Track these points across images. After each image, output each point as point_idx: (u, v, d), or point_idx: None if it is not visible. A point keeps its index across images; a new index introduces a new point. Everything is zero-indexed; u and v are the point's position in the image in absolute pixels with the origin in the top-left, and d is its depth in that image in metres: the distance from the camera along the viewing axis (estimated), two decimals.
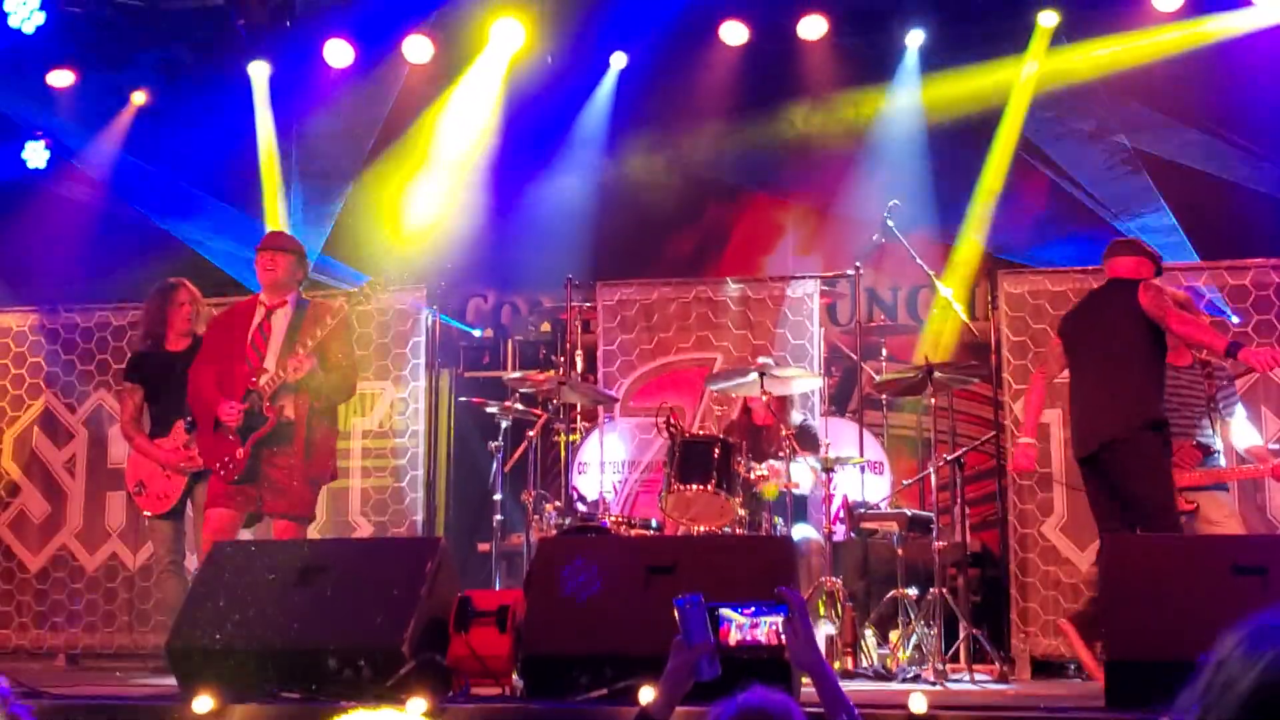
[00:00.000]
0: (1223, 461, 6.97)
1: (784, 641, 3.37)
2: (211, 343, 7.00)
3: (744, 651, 3.41)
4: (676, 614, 3.36)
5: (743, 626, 3.38)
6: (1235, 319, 7.82)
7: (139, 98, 10.90)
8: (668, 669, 3.34)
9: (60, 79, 10.69)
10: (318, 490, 6.87)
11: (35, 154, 10.97)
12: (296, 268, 6.95)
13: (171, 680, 5.82)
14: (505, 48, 10.32)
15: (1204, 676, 1.18)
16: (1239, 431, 7.11)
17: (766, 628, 3.38)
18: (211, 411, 6.69)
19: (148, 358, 7.77)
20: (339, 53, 10.43)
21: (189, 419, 7.41)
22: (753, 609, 3.39)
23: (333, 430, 6.94)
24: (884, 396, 8.77)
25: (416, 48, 10.40)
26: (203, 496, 7.12)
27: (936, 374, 7.24)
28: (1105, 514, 6.60)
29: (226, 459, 6.60)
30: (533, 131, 10.72)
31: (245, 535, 7.05)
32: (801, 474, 7.54)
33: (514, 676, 5.64)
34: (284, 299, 6.88)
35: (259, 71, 10.68)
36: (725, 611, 3.39)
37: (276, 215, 10.76)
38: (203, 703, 5.18)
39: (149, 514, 7.73)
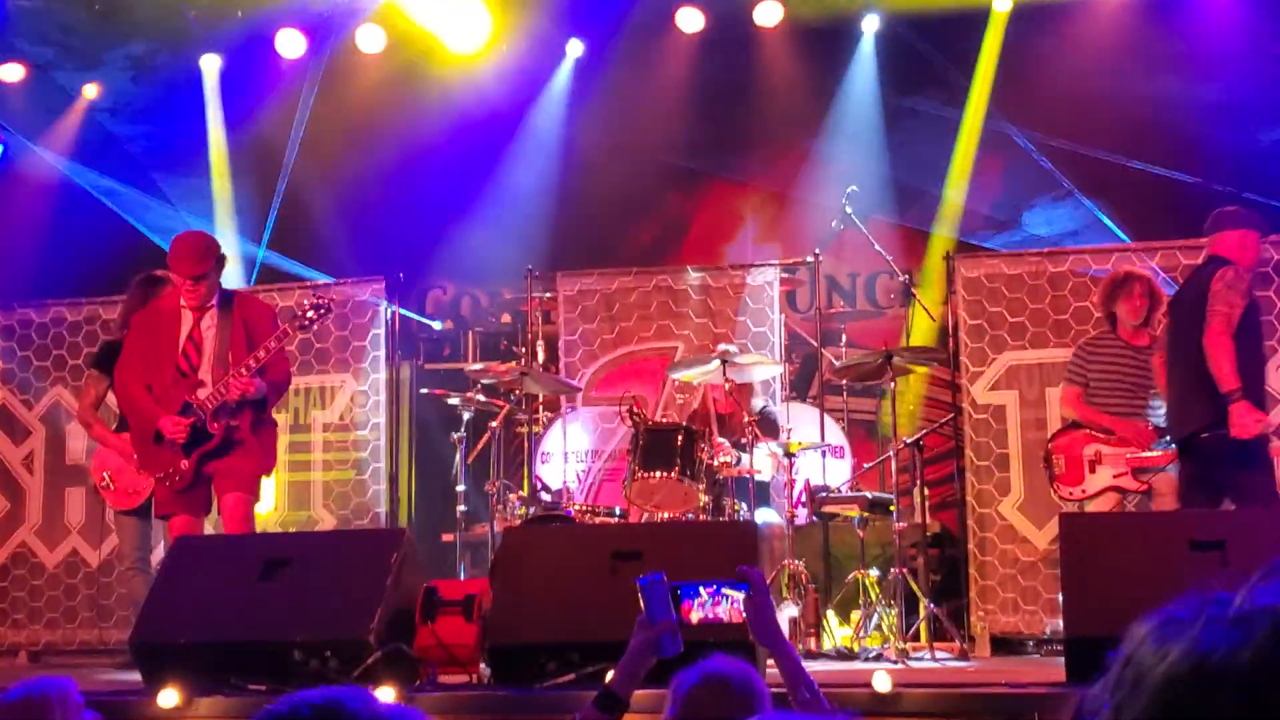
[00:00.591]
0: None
1: (745, 619, 3.40)
2: (137, 346, 6.76)
3: (706, 629, 3.45)
4: (639, 592, 3.39)
5: (705, 604, 3.41)
6: None
7: (91, 91, 10.82)
8: (630, 646, 3.37)
9: (11, 73, 10.59)
10: (261, 478, 6.84)
11: None
12: (218, 275, 6.72)
13: (136, 675, 5.80)
14: (461, 34, 10.29)
15: (1113, 672, 1.20)
16: None
17: (728, 605, 3.41)
18: (151, 424, 6.55)
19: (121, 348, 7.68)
20: (291, 43, 10.39)
21: None
22: (714, 587, 3.42)
23: (273, 426, 6.87)
24: (844, 382, 8.82)
25: (370, 37, 10.36)
26: None
27: (895, 358, 7.30)
28: (1189, 494, 6.53)
29: (171, 470, 6.52)
30: (490, 122, 10.70)
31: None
32: (763, 460, 7.58)
33: (481, 665, 5.67)
34: (210, 303, 6.71)
35: (210, 65, 10.62)
36: (688, 590, 3.42)
37: (227, 211, 10.72)
38: (168, 696, 5.18)
39: (116, 509, 7.67)
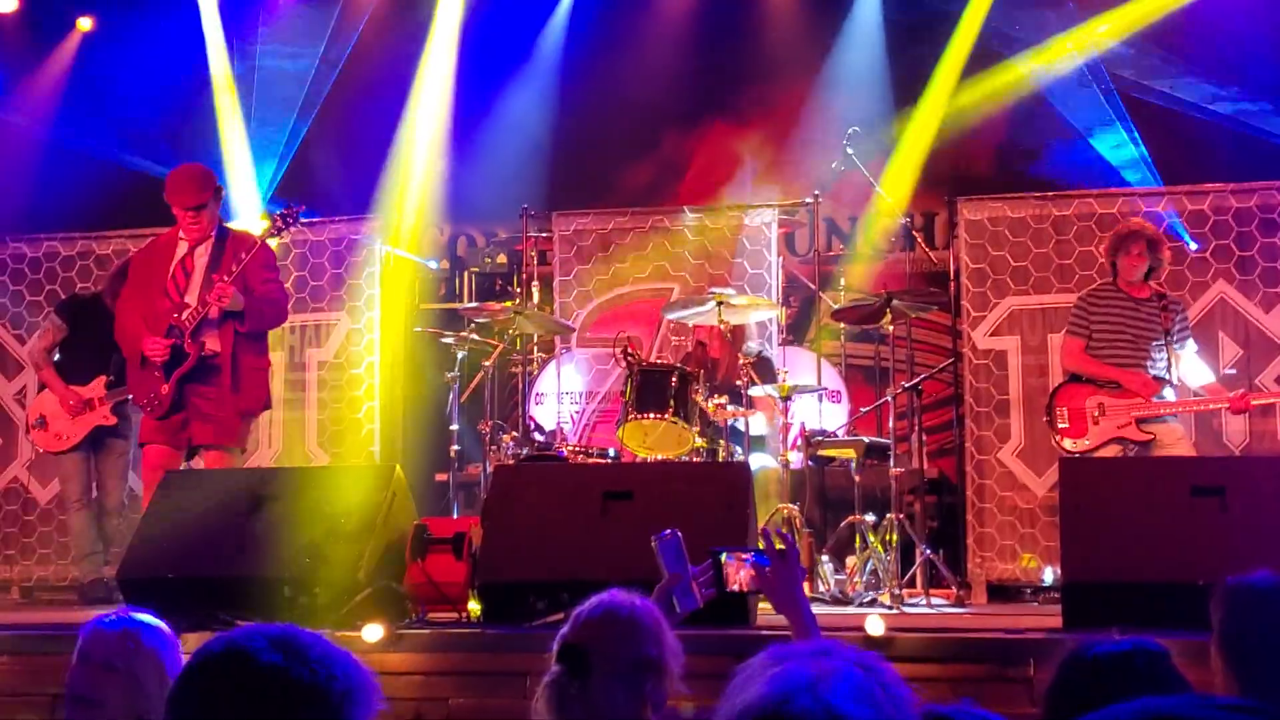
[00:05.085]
0: (1171, 395, 6.97)
1: (762, 584, 3.41)
2: (135, 279, 6.91)
3: (741, 593, 3.50)
4: (655, 547, 3.41)
5: (740, 569, 3.42)
6: (1194, 245, 7.82)
7: (85, 23, 10.68)
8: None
9: (5, 4, 10.44)
10: (249, 422, 6.79)
11: None
12: (216, 205, 6.80)
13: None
14: None
15: None
16: (1189, 369, 7.11)
17: (748, 572, 3.45)
18: (137, 348, 6.60)
19: (88, 304, 7.96)
20: None
21: (110, 377, 7.63)
22: (753, 554, 3.47)
23: (261, 359, 6.80)
24: (842, 325, 8.73)
25: None
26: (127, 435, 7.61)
27: (895, 302, 7.22)
28: None
29: (152, 395, 6.53)
30: (488, 59, 10.56)
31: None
32: (757, 419, 7.51)
33: (470, 603, 5.63)
34: (207, 235, 6.74)
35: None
36: (728, 555, 3.47)
37: (231, 148, 10.55)
38: None
39: (44, 450, 8.03)
